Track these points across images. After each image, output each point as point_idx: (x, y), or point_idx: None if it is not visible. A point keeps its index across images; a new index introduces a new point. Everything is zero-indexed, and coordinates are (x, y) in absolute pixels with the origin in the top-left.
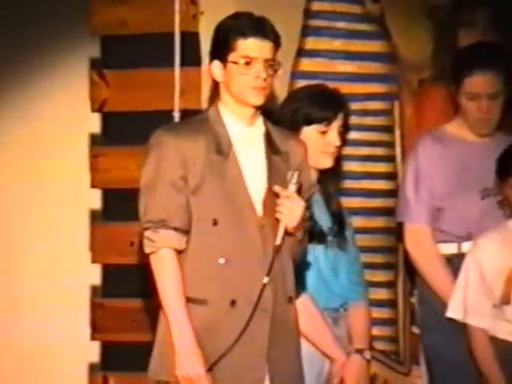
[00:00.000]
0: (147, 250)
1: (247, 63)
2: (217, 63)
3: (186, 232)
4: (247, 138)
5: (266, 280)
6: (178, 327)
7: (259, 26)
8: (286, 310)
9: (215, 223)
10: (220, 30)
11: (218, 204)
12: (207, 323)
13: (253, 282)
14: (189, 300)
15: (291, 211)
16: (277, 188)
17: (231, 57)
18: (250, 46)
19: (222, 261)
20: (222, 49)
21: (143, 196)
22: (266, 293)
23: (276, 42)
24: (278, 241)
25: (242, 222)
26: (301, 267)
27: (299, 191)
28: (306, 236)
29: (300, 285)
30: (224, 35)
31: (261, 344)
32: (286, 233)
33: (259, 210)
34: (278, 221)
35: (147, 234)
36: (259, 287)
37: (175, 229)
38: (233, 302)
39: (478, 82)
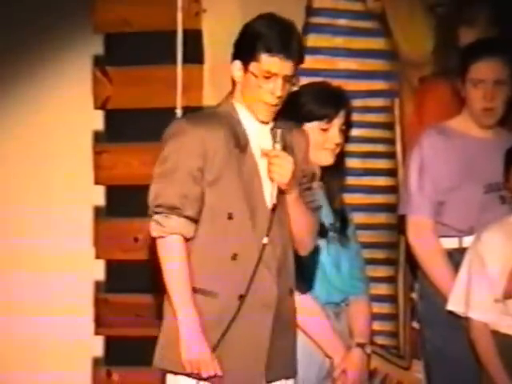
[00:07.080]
0: (155, 233)
1: (266, 77)
2: (238, 64)
3: (196, 221)
4: (260, 134)
5: (265, 240)
6: (182, 312)
7: (287, 45)
8: (286, 303)
9: (230, 217)
10: (248, 34)
11: (235, 198)
12: (215, 315)
13: (262, 278)
14: (197, 291)
15: (281, 168)
16: (265, 149)
17: (252, 67)
18: (273, 63)
19: (233, 255)
20: (245, 54)
21: (157, 183)
22: (271, 288)
23: (300, 59)
24: (274, 200)
25: (255, 217)
26: (308, 266)
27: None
28: (316, 219)
29: (305, 283)
30: (250, 43)
31: (262, 339)
32: (281, 191)
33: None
34: (272, 181)
35: (157, 217)
36: (268, 284)
37: (187, 217)
38: (241, 297)
39: (484, 68)
